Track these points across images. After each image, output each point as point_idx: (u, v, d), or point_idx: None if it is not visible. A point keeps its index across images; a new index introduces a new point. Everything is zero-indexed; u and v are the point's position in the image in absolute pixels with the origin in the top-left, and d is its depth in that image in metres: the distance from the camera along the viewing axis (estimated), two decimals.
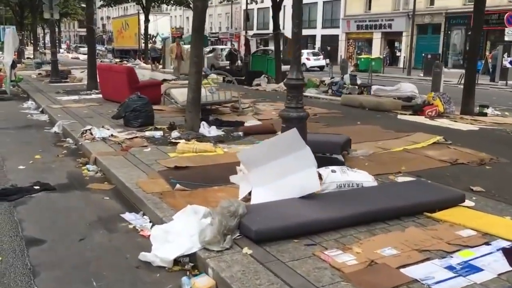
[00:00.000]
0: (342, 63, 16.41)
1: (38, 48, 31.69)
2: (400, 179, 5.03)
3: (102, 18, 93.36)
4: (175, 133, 7.49)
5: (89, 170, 5.93)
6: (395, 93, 11.26)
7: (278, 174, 4.18)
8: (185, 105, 9.77)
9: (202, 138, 7.26)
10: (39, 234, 3.93)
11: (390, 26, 37.54)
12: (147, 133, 7.58)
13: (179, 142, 6.84)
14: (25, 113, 10.68)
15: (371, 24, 39.41)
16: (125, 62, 35.19)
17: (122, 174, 5.34)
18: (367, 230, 3.68)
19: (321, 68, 35.19)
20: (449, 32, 33.43)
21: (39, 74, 20.77)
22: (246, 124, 8.19)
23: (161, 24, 39.64)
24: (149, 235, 3.88)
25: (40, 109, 11.04)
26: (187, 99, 7.60)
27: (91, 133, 7.38)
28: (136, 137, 7.37)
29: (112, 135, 7.43)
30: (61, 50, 53.03)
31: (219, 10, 64.70)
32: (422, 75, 28.08)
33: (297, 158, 4.09)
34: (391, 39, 38.53)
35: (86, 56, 43.33)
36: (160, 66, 27.96)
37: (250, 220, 3.58)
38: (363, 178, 4.48)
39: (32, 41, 56.76)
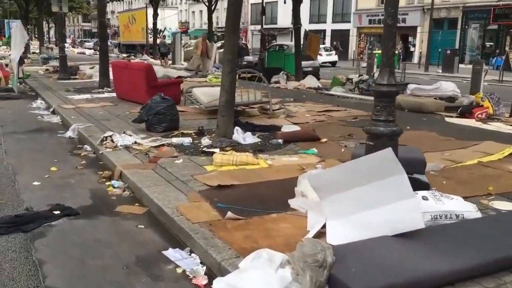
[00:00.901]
0: (369, 60, 15.50)
1: (45, 43, 30.71)
2: (498, 204, 4.16)
3: (106, 13, 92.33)
4: (205, 140, 6.65)
5: (114, 187, 5.10)
6: (435, 92, 10.36)
7: (364, 205, 3.32)
8: (209, 107, 8.95)
9: (237, 146, 6.42)
10: (67, 285, 3.08)
11: (404, 20, 36.45)
12: (174, 140, 6.73)
13: (213, 152, 6.00)
14: (35, 114, 9.84)
15: (384, 19, 38.27)
16: (132, 57, 34.40)
17: (157, 195, 4.49)
18: (496, 286, 2.82)
19: (333, 64, 34.29)
20: (466, 27, 32.39)
21: (47, 70, 19.96)
22: (283, 130, 7.32)
23: (169, 19, 38.75)
24: (205, 285, 3.05)
25: (51, 110, 10.20)
26: (219, 101, 6.74)
27: (112, 141, 6.54)
28: (163, 144, 6.52)
29: (135, 142, 6.59)
30: (66, 45, 52.22)
31: (226, 4, 63.48)
32: (440, 71, 27.17)
33: (391, 185, 3.23)
34: (404, 34, 37.46)
35: (92, 51, 42.71)
36: (170, 62, 27.10)
37: (344, 272, 2.74)
38: (463, 207, 3.62)
39: (36, 36, 56.01)
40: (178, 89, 10.57)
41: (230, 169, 5.35)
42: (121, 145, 6.40)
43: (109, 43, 55.97)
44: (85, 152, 6.63)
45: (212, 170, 5.34)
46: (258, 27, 56.66)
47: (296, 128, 7.36)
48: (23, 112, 10.09)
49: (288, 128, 7.37)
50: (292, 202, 4.17)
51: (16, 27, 12.53)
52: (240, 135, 6.77)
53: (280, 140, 6.61)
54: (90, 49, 51.03)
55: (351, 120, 8.47)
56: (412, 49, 36.71)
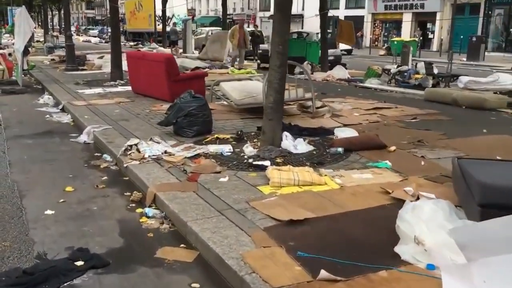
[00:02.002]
0: (404, 48, 14.26)
1: (50, 31, 29.38)
2: None
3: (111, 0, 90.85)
4: (249, 149, 5.51)
5: (148, 217, 3.99)
6: (492, 86, 9.16)
7: None
8: (241, 105, 7.81)
9: (289, 157, 5.29)
10: None
11: (422, 6, 35.01)
12: (211, 148, 5.59)
13: (263, 165, 4.88)
14: (43, 112, 8.72)
15: (400, 4, 36.89)
16: (140, 45, 33.14)
17: (210, 235, 3.38)
18: None
19: (349, 52, 32.90)
20: (489, 12, 30.89)
21: (52, 60, 18.83)
22: (337, 134, 6.17)
23: (177, 5, 37.37)
24: None
25: (60, 107, 9.08)
26: (266, 101, 5.59)
27: (138, 150, 5.41)
28: (199, 155, 5.39)
29: (166, 152, 5.46)
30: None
31: None
32: (465, 59, 25.83)
33: None
34: (422, 20, 36.02)
35: (97, 39, 41.46)
36: (181, 50, 25.88)
37: None
38: None
39: (40, 23, 54.72)
40: (202, 83, 9.39)
41: (293, 192, 4.22)
42: (149, 156, 5.28)
43: None
44: (105, 164, 5.51)
45: (270, 192, 4.22)
46: (267, 13, 55.39)
47: (353, 132, 6.20)
48: (29, 110, 8.97)
49: (342, 132, 6.21)
50: (402, 251, 3.04)
51: (20, 14, 11.36)
52: (290, 142, 5.63)
53: (339, 149, 5.46)
54: (95, 37, 49.78)
55: (410, 121, 7.30)
56: (430, 35, 35.21)
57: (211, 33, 28.58)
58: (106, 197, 4.47)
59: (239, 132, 6.14)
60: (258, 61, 22.37)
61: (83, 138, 6.67)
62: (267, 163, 5.01)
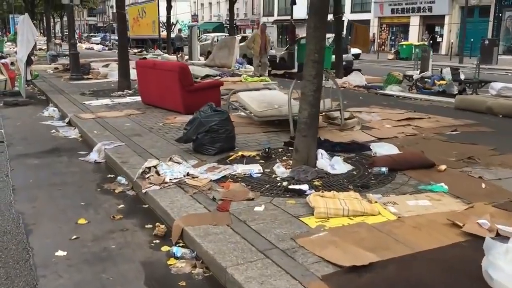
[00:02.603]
0: (424, 53, 13.66)
1: (53, 39, 28.80)
2: None
3: (112, 7, 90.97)
4: (280, 169, 4.93)
5: (177, 257, 3.39)
6: None
7: None
8: (262, 117, 7.22)
9: (327, 178, 4.70)
10: None
11: (430, 9, 34.48)
12: (239, 169, 4.99)
13: (302, 191, 4.29)
14: (48, 127, 8.14)
15: (408, 7, 36.36)
16: (144, 52, 32.65)
17: (257, 286, 2.78)
18: None
19: (356, 56, 32.32)
20: (500, 15, 30.32)
21: (56, 68, 18.28)
22: (375, 150, 5.57)
23: (181, 11, 36.92)
24: None
25: (66, 120, 8.50)
26: (300, 116, 4.98)
27: (157, 172, 4.82)
28: (226, 177, 4.80)
29: (188, 174, 4.86)
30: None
31: None
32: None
33: None
34: (430, 24, 35.47)
35: (100, 47, 41.03)
36: (186, 57, 25.34)
37: None
38: None
39: (42, 31, 54.31)
40: (218, 93, 8.82)
41: (344, 225, 3.62)
42: (170, 180, 4.68)
43: (115, 37, 54.47)
44: (120, 187, 4.92)
45: (317, 226, 3.61)
46: (271, 18, 55.01)
47: (392, 147, 5.60)
48: (34, 124, 8.39)
49: (380, 148, 5.61)
50: None
51: (23, 21, 10.80)
52: (326, 161, 5.03)
53: (383, 169, 4.86)
54: (97, 44, 49.37)
55: (450, 133, 6.69)
56: (438, 39, 34.62)
57: (217, 39, 28.09)
58: (125, 231, 3.87)
59: (267, 150, 5.54)
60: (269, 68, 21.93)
61: (94, 156, 6.08)
62: (304, 187, 4.42)
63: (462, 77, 10.69)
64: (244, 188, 4.44)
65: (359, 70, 15.43)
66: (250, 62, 22.04)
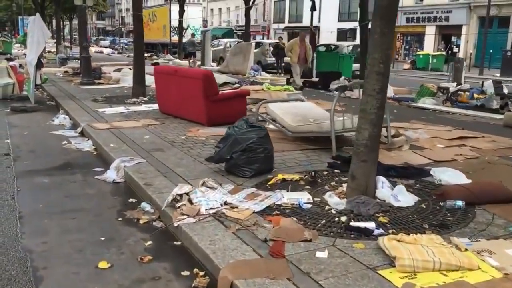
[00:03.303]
0: (457, 64, 12.88)
1: (62, 42, 28.08)
2: None
3: (120, 11, 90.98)
4: (333, 199, 4.18)
5: None
6: None
7: None
8: (297, 132, 6.47)
9: (393, 213, 3.95)
10: None
11: (447, 18, 33.68)
12: (285, 198, 4.24)
13: (369, 230, 3.53)
14: (59, 137, 7.42)
15: (423, 17, 35.56)
16: (155, 57, 32.07)
17: None
18: None
19: None
20: None
21: (65, 72, 17.69)
22: (436, 175, 4.81)
23: (192, 16, 36.34)
24: None
25: (79, 130, 7.78)
26: (358, 137, 4.22)
27: (190, 201, 4.07)
28: (270, 207, 4.04)
29: (226, 202, 4.11)
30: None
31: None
32: (498, 75, 24.44)
33: None
34: (447, 34, 34.67)
35: (110, 50, 40.52)
36: (199, 63, 24.69)
37: None
38: None
39: (51, 34, 53.88)
40: (244, 104, 8.11)
41: (439, 284, 2.85)
42: (206, 210, 3.93)
43: (126, 41, 53.94)
44: (145, 216, 4.18)
45: (404, 283, 2.85)
46: (282, 25, 54.38)
47: (457, 174, 4.83)
48: (43, 133, 7.68)
49: (443, 173, 4.85)
50: None
51: (33, 22, 10.12)
52: (387, 191, 4.27)
53: (459, 202, 4.09)
54: (106, 47, 48.86)
55: None
56: (455, 49, 33.80)
57: (230, 45, 27.46)
58: (157, 280, 3.12)
59: (313, 174, 4.78)
60: (282, 74, 21.18)
61: (111, 175, 5.35)
62: (370, 225, 3.66)
63: (505, 90, 9.92)
64: (298, 225, 3.68)
65: None
66: (264, 69, 21.36)
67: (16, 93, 11.53)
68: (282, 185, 4.69)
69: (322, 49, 19.54)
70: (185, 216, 3.85)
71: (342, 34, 43.26)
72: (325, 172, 5.15)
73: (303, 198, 4.24)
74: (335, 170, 5.24)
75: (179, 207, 4.00)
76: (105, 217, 4.20)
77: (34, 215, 4.16)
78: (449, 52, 31.46)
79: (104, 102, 10.40)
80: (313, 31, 19.63)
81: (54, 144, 6.90)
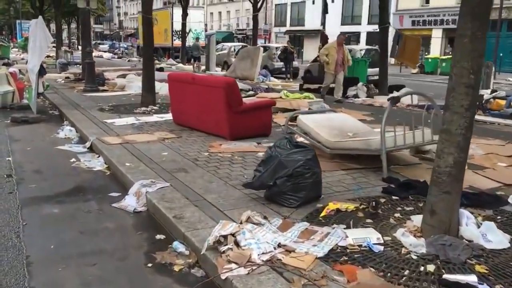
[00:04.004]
0: (486, 69, 12.17)
1: (66, 47, 27.08)
2: None
3: (119, 14, 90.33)
4: (409, 239, 3.46)
5: None
6: None
7: None
8: (336, 149, 5.74)
9: (489, 258, 3.20)
10: None
11: (454, 21, 33.00)
12: (350, 238, 3.49)
13: (472, 287, 2.79)
14: (66, 153, 6.67)
15: (430, 20, 35.02)
16: (157, 61, 31.31)
17: None
18: None
19: None
20: None
21: (67, 78, 16.96)
22: None
23: (194, 19, 35.59)
24: None
25: (87, 144, 7.03)
26: (441, 163, 3.47)
27: (237, 243, 3.32)
28: (337, 252, 3.30)
29: (279, 245, 3.37)
30: (79, 47, 49.37)
31: (247, 5, 60.17)
32: (511, 79, 23.83)
33: None
34: (454, 37, 33.97)
35: (110, 55, 39.74)
36: (203, 67, 23.98)
37: None
38: None
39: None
40: (270, 115, 7.38)
41: None
42: (259, 256, 3.18)
43: (125, 45, 53.22)
44: (180, 261, 3.43)
45: None
46: (283, 29, 53.78)
47: None
48: (48, 149, 6.92)
49: None
50: None
51: (35, 26, 9.37)
52: (473, 228, 3.53)
53: None
54: (105, 51, 48.07)
55: None
56: None
57: (234, 49, 26.78)
58: None
59: (373, 203, 4.04)
60: (291, 79, 20.44)
61: (131, 202, 4.60)
62: (471, 278, 2.92)
63: None
64: (381, 280, 2.94)
65: (403, 86, 13.99)
66: (271, 74, 20.62)
67: (16, 102, 10.78)
68: (338, 218, 3.94)
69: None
70: (234, 265, 3.11)
71: (346, 38, 42.56)
72: (382, 200, 4.41)
73: (371, 237, 3.50)
74: (393, 197, 4.50)
75: (224, 251, 3.26)
76: (131, 261, 3.45)
77: (45, 260, 3.40)
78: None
79: (111, 112, 9.65)
80: (326, 34, 18.89)
81: (62, 163, 6.14)
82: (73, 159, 6.29)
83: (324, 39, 17.89)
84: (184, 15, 26.61)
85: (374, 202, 4.06)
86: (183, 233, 3.71)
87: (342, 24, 42.80)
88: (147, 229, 4.07)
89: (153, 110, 9.80)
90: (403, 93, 6.42)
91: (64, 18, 51.61)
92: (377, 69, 17.42)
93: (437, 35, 34.57)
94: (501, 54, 27.22)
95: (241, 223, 3.64)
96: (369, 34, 40.99)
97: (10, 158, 6.26)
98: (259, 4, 22.26)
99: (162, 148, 6.53)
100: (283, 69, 22.16)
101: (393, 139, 5.19)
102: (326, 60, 12.22)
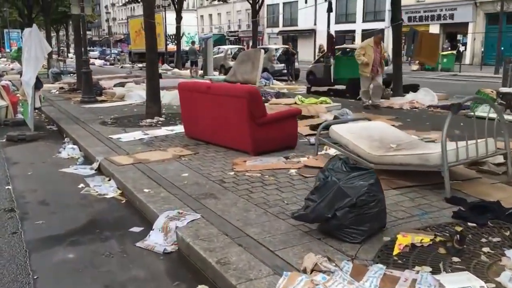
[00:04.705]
0: (509, 64, 11.49)
1: (57, 55, 26.08)
2: None
3: (107, 20, 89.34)
4: None
5: None
6: None
7: None
8: (383, 164, 5.07)
9: None
10: None
11: (451, 16, 32.68)
12: (448, 287, 2.80)
13: None
14: (72, 177, 5.94)
15: (426, 15, 34.53)
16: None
17: None
18: None
19: None
20: None
21: (61, 88, 16.16)
22: None
23: (187, 23, 34.85)
24: None
25: (95, 166, 6.30)
26: None
27: None
28: None
29: None
30: (70, 55, 48.42)
31: (238, 7, 59.61)
32: None
33: None
34: (451, 32, 33.61)
35: (101, 61, 38.86)
36: (201, 72, 23.26)
37: None
38: None
39: None
40: (295, 126, 6.69)
41: None
42: None
43: (116, 51, 52.24)
44: None
45: None
46: (276, 29, 53.13)
47: None
48: (51, 173, 6.17)
49: None
50: None
51: (29, 35, 8.61)
52: None
53: None
54: (96, 58, 47.12)
55: None
56: (461, 48, 32.69)
57: (231, 52, 26.09)
58: None
59: (457, 237, 3.36)
60: (293, 81, 19.81)
61: (158, 240, 3.90)
62: None
63: None
64: None
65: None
66: (273, 76, 19.94)
67: (11, 118, 10.02)
68: (417, 257, 3.26)
69: (340, 52, 18.11)
70: None
71: (340, 37, 42.01)
72: (458, 228, 3.73)
73: (474, 286, 2.82)
74: (468, 223, 3.83)
75: None
76: None
77: None
78: (463, 50, 30.33)
79: (115, 125, 8.92)
80: (331, 34, 18.20)
81: (69, 189, 5.41)
82: (82, 185, 5.56)
83: (330, 40, 17.22)
84: (179, 18, 25.83)
85: (458, 236, 3.38)
86: (235, 286, 3.01)
87: (336, 22, 42.15)
88: (184, 277, 3.36)
89: (159, 122, 9.08)
90: (465, 99, 5.70)
91: (52, 26, 50.62)
92: (386, 67, 16.86)
93: (434, 31, 33.96)
94: (502, 48, 26.76)
95: (304, 271, 2.96)
96: (364, 31, 40.47)
97: (10, 187, 5.52)
98: (257, 5, 21.46)
99: (180, 167, 5.82)
100: (284, 71, 21.50)
101: (455, 152, 4.52)
102: (365, 61, 10.64)
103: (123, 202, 5.02)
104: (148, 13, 9.17)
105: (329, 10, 18.12)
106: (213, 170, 5.65)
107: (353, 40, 40.93)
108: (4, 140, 8.20)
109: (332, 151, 6.26)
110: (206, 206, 4.43)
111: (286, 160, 5.99)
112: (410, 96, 11.45)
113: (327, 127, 6.02)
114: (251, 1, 21.35)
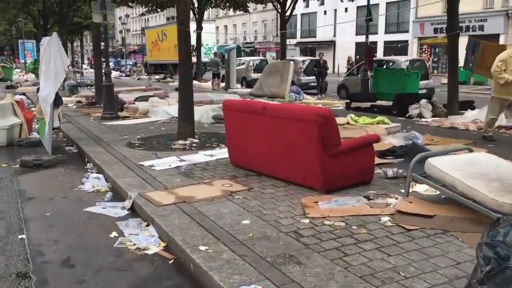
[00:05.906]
0: None
1: (71, 66, 24.94)
2: None
3: (121, 32, 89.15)
4: None
5: None
6: None
7: None
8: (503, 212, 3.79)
9: None
10: None
11: (481, 28, 31.32)
12: None
13: None
14: (100, 221, 4.75)
15: None
16: (169, 79, 29.63)
17: None
18: None
19: None
20: None
21: (78, 102, 15.10)
22: None
23: (205, 34, 33.90)
24: None
25: (128, 205, 5.10)
26: None
27: None
28: None
29: None
30: (84, 66, 47.79)
31: (255, 18, 58.73)
32: None
33: None
34: None
35: (117, 73, 37.97)
36: (223, 85, 22.17)
37: None
38: None
39: None
40: (371, 156, 5.44)
41: None
42: None
43: (131, 62, 51.55)
44: None
45: None
46: (293, 41, 52.02)
47: None
48: (75, 215, 4.97)
49: None
50: None
51: (48, 45, 7.51)
52: None
53: None
54: (111, 69, 46.38)
55: None
56: None
57: (253, 64, 25.01)
58: None
59: None
60: (324, 96, 18.65)
61: None
62: None
63: None
64: None
65: (472, 102, 12.13)
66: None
67: (25, 137, 8.90)
68: None
69: (378, 64, 16.88)
70: None
71: (360, 48, 40.89)
72: None
73: None
74: None
75: None
76: None
77: None
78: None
79: (143, 148, 7.75)
80: (370, 46, 16.95)
81: (99, 241, 4.21)
82: (114, 233, 4.37)
83: (369, 51, 16.01)
84: (199, 27, 24.80)
85: None
86: None
87: (357, 34, 41.01)
88: None
89: (194, 144, 7.90)
90: None
91: (67, 37, 50.11)
92: (426, 81, 15.63)
93: (463, 42, 32.68)
94: None
95: None
96: (386, 42, 39.23)
97: (24, 236, 4.33)
98: (286, 14, 20.26)
99: (236, 211, 4.61)
100: (311, 84, 20.32)
101: None
102: (509, 79, 7.84)
103: (170, 262, 3.80)
104: (182, 20, 8.05)
105: (369, 18, 16.80)
106: (281, 216, 4.43)
107: (376, 51, 39.68)
108: (17, 166, 7.05)
109: (422, 188, 5.04)
110: (292, 278, 3.21)
111: (368, 202, 4.76)
112: (470, 114, 10.18)
113: (421, 160, 4.77)
114: (279, 10, 20.18)
